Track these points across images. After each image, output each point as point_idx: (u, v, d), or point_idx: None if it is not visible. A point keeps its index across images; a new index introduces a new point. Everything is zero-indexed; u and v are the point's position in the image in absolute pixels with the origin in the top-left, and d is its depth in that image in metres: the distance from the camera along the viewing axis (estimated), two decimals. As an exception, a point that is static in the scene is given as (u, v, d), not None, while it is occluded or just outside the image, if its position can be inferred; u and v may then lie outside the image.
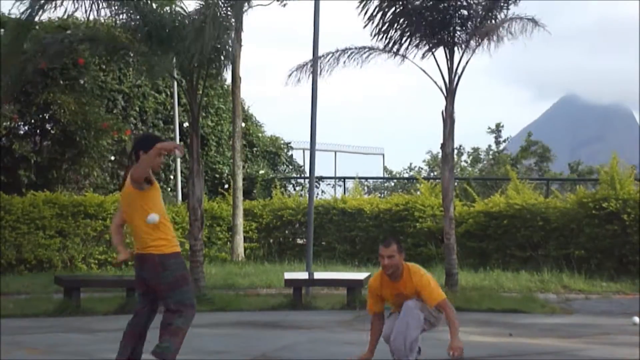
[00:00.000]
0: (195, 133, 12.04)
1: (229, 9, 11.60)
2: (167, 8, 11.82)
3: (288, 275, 12.05)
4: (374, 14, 12.37)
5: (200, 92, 12.31)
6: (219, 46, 11.66)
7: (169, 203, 17.49)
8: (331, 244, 17.40)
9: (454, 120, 12.51)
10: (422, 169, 27.72)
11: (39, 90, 16.55)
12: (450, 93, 12.37)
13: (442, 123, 12.47)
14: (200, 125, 15.27)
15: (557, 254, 15.12)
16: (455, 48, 12.38)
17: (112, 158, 18.41)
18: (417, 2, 12.44)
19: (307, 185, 16.50)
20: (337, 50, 12.62)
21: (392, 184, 25.14)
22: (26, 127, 17.40)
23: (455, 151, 25.80)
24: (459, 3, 12.36)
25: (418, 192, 18.78)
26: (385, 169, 26.54)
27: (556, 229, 15.34)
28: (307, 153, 19.77)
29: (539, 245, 15.54)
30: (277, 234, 17.99)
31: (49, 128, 17.29)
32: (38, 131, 17.35)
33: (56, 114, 16.74)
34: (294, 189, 22.21)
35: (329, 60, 12.62)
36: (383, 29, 12.47)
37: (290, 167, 23.37)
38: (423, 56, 12.61)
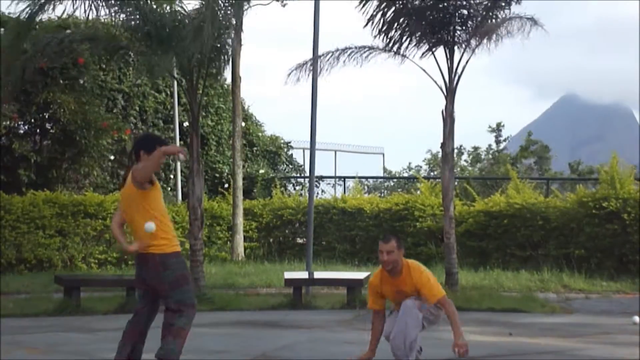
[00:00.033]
0: (195, 132, 12.04)
1: (229, 8, 11.60)
2: (167, 8, 11.82)
3: (288, 275, 12.05)
4: (374, 14, 12.38)
5: (200, 91, 12.31)
6: (218, 45, 11.67)
7: (169, 202, 17.48)
8: (331, 244, 17.39)
9: (454, 120, 12.51)
10: (420, 167, 27.76)
11: (39, 89, 16.55)
12: (450, 92, 12.37)
13: (442, 122, 12.48)
14: (200, 124, 15.26)
15: (557, 253, 15.12)
16: (456, 47, 12.39)
17: (112, 157, 18.41)
18: (417, 2, 12.44)
19: (307, 185, 16.49)
20: (337, 50, 12.63)
21: (392, 183, 25.15)
22: (26, 127, 17.39)
23: (456, 151, 26.03)
24: (458, 3, 12.36)
25: (418, 192, 18.78)
26: (384, 169, 26.52)
27: (556, 228, 15.34)
28: (307, 152, 19.77)
29: (539, 244, 15.54)
30: (277, 233, 17.99)
31: (49, 127, 17.29)
32: (38, 130, 17.35)
33: (56, 113, 16.74)
34: (294, 189, 22.21)
35: (328, 60, 12.62)
36: (383, 29, 12.48)
37: (290, 166, 23.36)
38: (422, 55, 12.62)
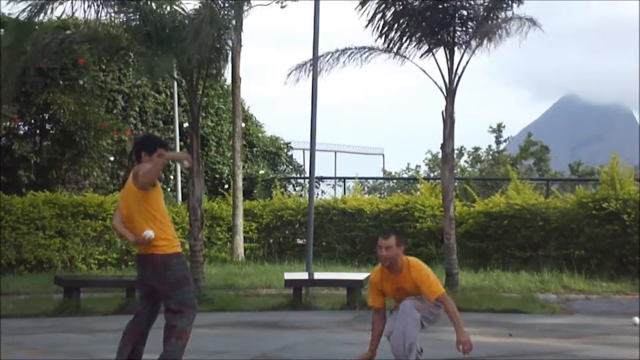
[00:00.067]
0: (195, 133, 12.04)
1: (228, 8, 11.59)
2: (167, 8, 11.82)
3: (288, 276, 12.05)
4: (374, 15, 12.37)
5: (200, 92, 12.31)
6: (218, 46, 11.66)
7: (169, 203, 17.49)
8: (331, 244, 17.39)
9: (454, 121, 12.51)
10: (419, 166, 27.82)
11: (39, 90, 16.55)
12: (450, 93, 12.37)
13: (442, 123, 12.47)
14: (200, 125, 15.28)
15: (557, 254, 15.12)
16: (456, 48, 12.38)
17: (112, 158, 18.41)
18: (417, 3, 12.44)
19: (307, 186, 16.50)
20: (337, 50, 12.62)
21: (392, 184, 25.15)
22: (26, 127, 17.39)
23: (457, 152, 26.07)
24: (459, 3, 12.36)
25: (418, 193, 18.78)
26: (384, 171, 26.52)
27: (556, 229, 15.34)
28: (307, 153, 19.77)
29: (539, 245, 15.53)
30: (277, 234, 17.98)
31: (49, 128, 17.29)
32: (38, 131, 17.35)
33: (56, 114, 16.74)
34: (294, 189, 22.21)
35: (328, 60, 12.62)
36: (383, 31, 12.48)
37: (290, 167, 23.37)
38: (422, 56, 12.62)
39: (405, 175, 26.72)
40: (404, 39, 12.59)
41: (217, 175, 20.78)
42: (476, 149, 27.66)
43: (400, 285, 6.56)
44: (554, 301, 11.96)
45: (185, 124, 19.22)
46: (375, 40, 12.60)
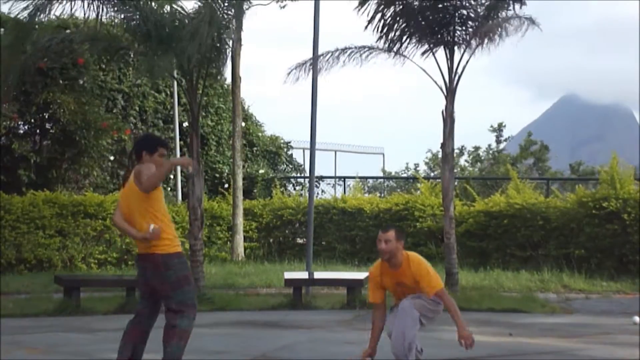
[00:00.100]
0: (195, 133, 12.04)
1: (228, 8, 11.59)
2: (167, 8, 11.81)
3: (288, 275, 12.04)
4: (373, 15, 12.37)
5: (200, 91, 12.30)
6: (218, 45, 11.66)
7: (169, 203, 17.49)
8: (331, 244, 17.39)
9: (454, 120, 12.50)
10: (417, 164, 27.84)
11: (39, 90, 16.55)
12: (450, 93, 12.36)
13: (442, 123, 12.47)
14: (200, 124, 15.26)
15: (557, 253, 15.12)
16: (456, 48, 12.38)
17: (112, 158, 18.40)
18: (417, 2, 12.43)
19: (307, 185, 16.49)
20: (337, 50, 12.61)
21: (393, 183, 25.15)
22: (26, 127, 17.39)
23: (457, 151, 26.08)
24: (458, 3, 12.35)
25: (418, 192, 18.78)
26: (384, 171, 26.52)
27: (556, 228, 15.33)
28: (307, 152, 19.77)
29: (539, 244, 15.53)
30: (277, 233, 17.98)
31: (49, 127, 17.29)
32: (38, 131, 17.35)
33: (56, 113, 16.74)
34: (294, 189, 22.21)
35: (328, 60, 12.61)
36: (383, 31, 12.47)
37: (290, 166, 23.37)
38: (422, 55, 12.61)
39: (404, 175, 26.73)
40: (404, 38, 12.58)
41: (217, 175, 20.78)
42: (476, 148, 27.68)
43: (400, 279, 6.55)
44: (554, 300, 11.96)
45: (185, 124, 19.21)
46: (376, 41, 12.61)
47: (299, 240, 17.89)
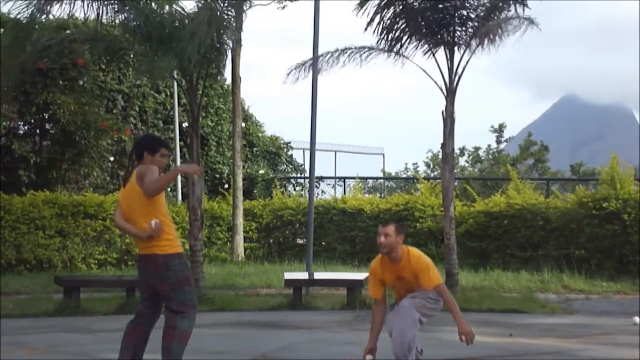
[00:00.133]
0: (195, 133, 12.03)
1: (228, 8, 11.58)
2: (167, 8, 11.81)
3: (288, 275, 12.04)
4: (373, 17, 12.36)
5: (200, 92, 12.30)
6: (218, 46, 11.65)
7: (169, 203, 17.48)
8: (331, 244, 17.39)
9: (454, 120, 12.49)
10: (415, 164, 27.84)
11: (39, 90, 16.55)
12: (450, 93, 12.36)
13: (442, 123, 12.46)
14: (200, 125, 15.27)
15: (557, 254, 15.11)
16: (456, 48, 12.37)
17: (112, 158, 18.40)
18: (417, 3, 12.42)
19: (307, 185, 16.49)
20: (337, 50, 12.60)
21: (393, 184, 25.15)
22: (26, 127, 17.39)
23: (458, 152, 26.08)
24: (458, 3, 12.35)
25: (418, 192, 18.77)
26: (383, 172, 26.52)
27: (556, 228, 15.33)
28: (307, 153, 19.77)
29: (539, 245, 15.53)
30: (277, 234, 17.98)
31: (49, 128, 17.29)
32: (38, 131, 17.34)
33: (56, 114, 16.74)
34: (294, 189, 22.21)
35: (328, 60, 12.60)
36: (383, 32, 12.46)
37: (290, 166, 23.37)
38: (425, 53, 12.59)
39: (404, 175, 26.72)
40: (404, 38, 12.58)
41: (217, 175, 20.78)
42: (476, 148, 27.69)
43: (400, 274, 6.55)
44: (554, 301, 11.95)
45: (185, 124, 19.21)
46: (377, 42, 12.60)
47: (299, 241, 17.89)
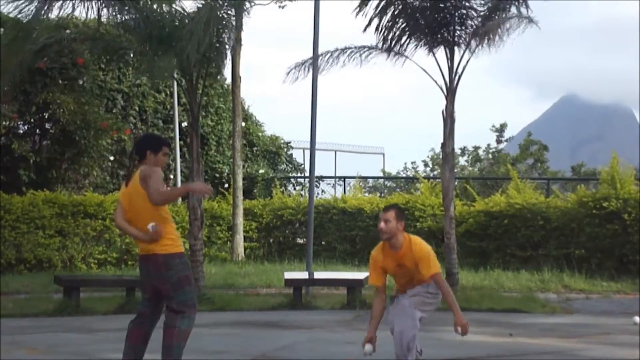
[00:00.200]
0: (195, 133, 12.03)
1: (228, 8, 11.57)
2: (167, 8, 11.80)
3: (288, 275, 12.04)
4: (372, 18, 12.35)
5: (200, 91, 12.29)
6: (217, 45, 11.65)
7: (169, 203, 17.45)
8: (331, 244, 17.38)
9: (454, 120, 12.48)
10: (414, 162, 27.82)
11: (39, 89, 16.54)
12: (450, 92, 12.35)
13: (442, 123, 12.46)
14: (200, 124, 15.25)
15: (557, 253, 15.11)
16: (456, 47, 12.36)
17: (112, 158, 18.40)
18: (417, 2, 12.42)
19: (307, 185, 16.49)
20: (337, 50, 12.59)
21: (393, 183, 25.14)
22: (25, 127, 17.38)
23: (459, 152, 26.07)
24: (459, 3, 12.34)
25: (418, 192, 18.76)
26: (383, 172, 26.51)
27: (557, 228, 15.32)
28: (307, 152, 19.75)
29: (540, 244, 15.53)
30: (277, 233, 17.97)
31: (49, 127, 17.28)
32: (37, 131, 17.34)
33: (55, 113, 16.73)
34: (294, 189, 22.20)
35: (328, 60, 12.59)
36: (383, 32, 12.45)
37: (291, 166, 23.36)
38: (424, 53, 12.60)
39: (403, 175, 26.72)
40: (404, 38, 12.57)
41: (217, 175, 20.77)
42: (475, 148, 27.69)
43: (400, 261, 6.54)
44: (554, 301, 11.95)
45: (185, 124, 19.20)
46: (377, 42, 12.59)
47: (299, 240, 17.88)
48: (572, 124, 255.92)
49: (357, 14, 12.38)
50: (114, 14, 11.64)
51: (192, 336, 6.10)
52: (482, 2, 12.34)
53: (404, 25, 12.47)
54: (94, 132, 16.92)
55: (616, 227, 14.64)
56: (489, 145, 27.63)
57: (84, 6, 11.39)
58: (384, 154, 26.84)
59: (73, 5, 11.30)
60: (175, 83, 18.21)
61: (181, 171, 19.14)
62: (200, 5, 11.45)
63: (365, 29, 12.45)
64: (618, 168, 15.39)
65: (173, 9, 11.87)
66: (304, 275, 12.50)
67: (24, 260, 15.04)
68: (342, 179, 22.14)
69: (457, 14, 12.34)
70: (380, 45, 12.60)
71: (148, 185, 5.89)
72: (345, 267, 15.75)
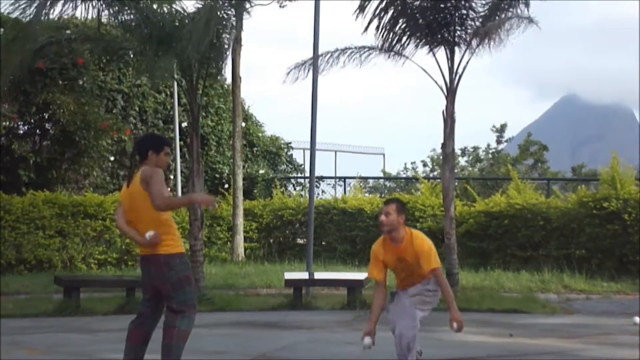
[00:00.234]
0: (195, 133, 12.02)
1: (228, 8, 11.57)
2: (167, 8, 11.79)
3: (288, 275, 12.03)
4: (372, 18, 12.35)
5: (200, 91, 12.29)
6: (217, 45, 11.64)
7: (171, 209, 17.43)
8: (331, 244, 17.38)
9: (454, 120, 12.48)
10: (414, 162, 27.81)
11: (38, 90, 16.53)
12: (450, 93, 12.34)
13: (442, 123, 12.45)
14: (200, 125, 15.25)
15: (557, 253, 15.11)
16: (456, 48, 12.36)
17: (112, 158, 18.39)
18: (417, 2, 12.41)
19: (308, 185, 16.49)
20: (337, 50, 12.59)
21: (393, 184, 25.14)
22: (25, 127, 17.37)
23: (459, 152, 26.07)
24: (459, 3, 12.33)
25: (418, 192, 18.76)
26: (384, 172, 26.51)
27: (557, 228, 15.33)
28: (307, 153, 19.75)
29: (540, 245, 15.53)
30: (277, 233, 17.97)
31: (49, 128, 17.27)
32: (37, 131, 17.33)
33: (55, 113, 16.72)
34: (294, 189, 22.20)
35: (328, 60, 12.59)
36: (383, 33, 12.45)
37: (291, 166, 23.36)
38: (424, 53, 12.59)
39: (403, 175, 26.71)
40: (404, 38, 12.56)
41: (217, 175, 20.77)
42: (476, 148, 27.69)
43: (401, 255, 6.53)
44: (554, 301, 11.95)
45: (185, 124, 19.20)
46: (377, 42, 12.58)
47: (299, 241, 17.88)
48: (572, 124, 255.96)
49: (357, 16, 12.38)
50: (114, 14, 11.65)
51: (192, 336, 6.09)
52: (483, 2, 12.34)
53: (404, 25, 12.47)
54: (94, 132, 16.92)
55: (616, 228, 14.64)
56: (489, 145, 27.65)
57: (84, 7, 11.40)
58: (384, 154, 26.87)
59: (75, 4, 11.30)
60: (175, 83, 18.20)
61: (181, 171, 19.13)
62: (200, 5, 11.45)
63: (365, 30, 12.45)
64: (618, 168, 15.39)
65: (173, 9, 11.86)
66: (304, 275, 12.50)
67: (24, 260, 15.04)
68: (343, 180, 22.14)
69: (457, 14, 12.34)
70: (380, 45, 12.60)
71: (151, 188, 5.88)
72: (345, 268, 15.74)
